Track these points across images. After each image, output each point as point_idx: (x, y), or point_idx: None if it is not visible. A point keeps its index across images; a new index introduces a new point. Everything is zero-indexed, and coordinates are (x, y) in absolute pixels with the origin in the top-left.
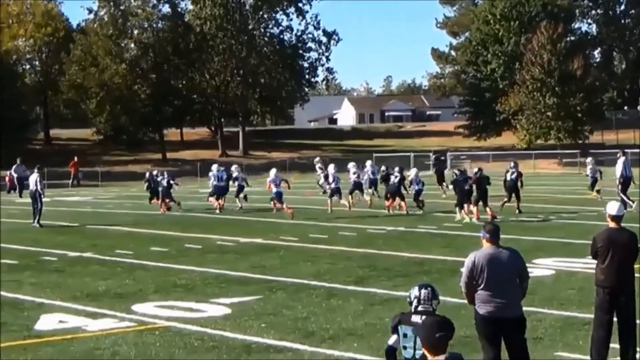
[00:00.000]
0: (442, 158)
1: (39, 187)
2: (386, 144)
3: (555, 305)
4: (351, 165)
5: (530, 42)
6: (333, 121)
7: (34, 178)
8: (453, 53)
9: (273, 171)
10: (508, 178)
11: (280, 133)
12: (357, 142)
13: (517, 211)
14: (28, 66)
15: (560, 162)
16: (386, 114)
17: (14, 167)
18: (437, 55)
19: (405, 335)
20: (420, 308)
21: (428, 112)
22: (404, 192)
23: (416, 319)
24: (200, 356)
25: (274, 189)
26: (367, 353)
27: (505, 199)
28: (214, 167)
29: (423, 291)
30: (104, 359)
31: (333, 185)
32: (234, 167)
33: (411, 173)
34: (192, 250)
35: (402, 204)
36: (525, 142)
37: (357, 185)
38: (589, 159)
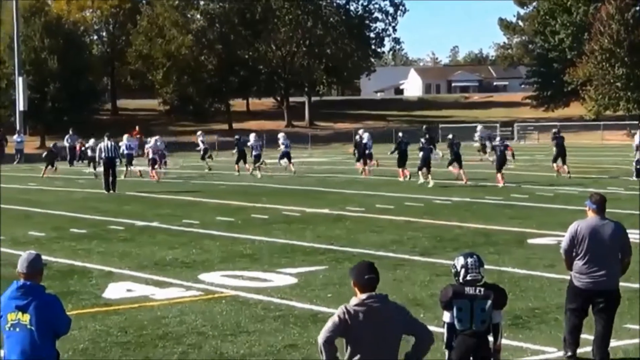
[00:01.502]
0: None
1: (117, 154)
2: (453, 115)
3: (623, 278)
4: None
5: (599, 12)
6: (399, 92)
7: (105, 145)
8: (521, 23)
9: (252, 135)
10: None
11: (346, 104)
12: (424, 112)
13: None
14: (95, 37)
15: (628, 134)
16: (453, 84)
17: (67, 136)
18: (505, 25)
19: (460, 309)
20: (468, 277)
21: (495, 83)
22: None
23: (470, 290)
24: (266, 325)
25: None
26: (433, 324)
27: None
28: (252, 136)
29: (469, 260)
30: (171, 328)
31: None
32: (251, 136)
33: (496, 140)
34: (258, 220)
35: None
36: (593, 112)
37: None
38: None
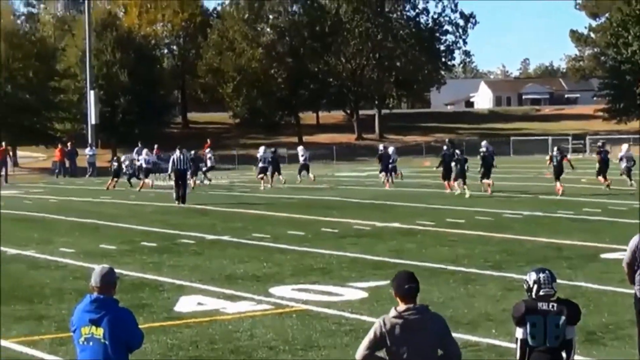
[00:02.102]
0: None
1: (189, 166)
2: (523, 127)
3: None
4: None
5: None
6: (470, 104)
7: (177, 157)
8: (592, 35)
9: (262, 148)
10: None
11: (416, 116)
12: (494, 125)
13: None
14: (166, 50)
15: None
16: (523, 97)
17: (136, 149)
18: (576, 37)
19: (534, 325)
20: (541, 293)
21: (566, 95)
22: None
23: (544, 306)
24: (337, 340)
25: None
26: (505, 339)
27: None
28: (261, 149)
29: (542, 275)
30: (242, 342)
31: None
32: (261, 148)
33: (622, 149)
34: (328, 233)
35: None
36: None
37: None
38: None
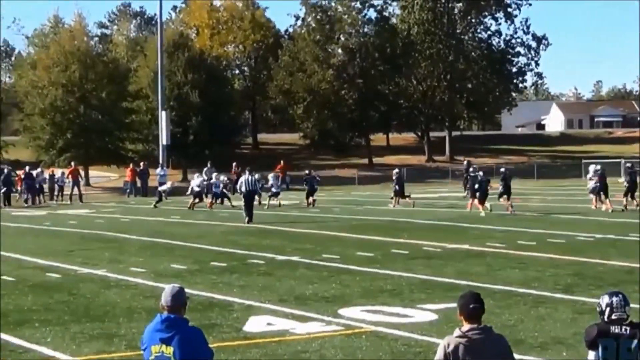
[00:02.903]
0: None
1: (257, 188)
2: (596, 150)
3: None
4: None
5: None
6: (541, 127)
7: (246, 179)
8: None
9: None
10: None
11: (487, 138)
12: (566, 147)
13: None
14: (237, 71)
15: None
16: (596, 119)
17: (205, 169)
18: None
19: (606, 348)
20: (614, 316)
21: (639, 118)
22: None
23: (616, 329)
24: None
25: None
26: None
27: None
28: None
29: (615, 299)
30: None
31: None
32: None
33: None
34: (398, 255)
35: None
36: None
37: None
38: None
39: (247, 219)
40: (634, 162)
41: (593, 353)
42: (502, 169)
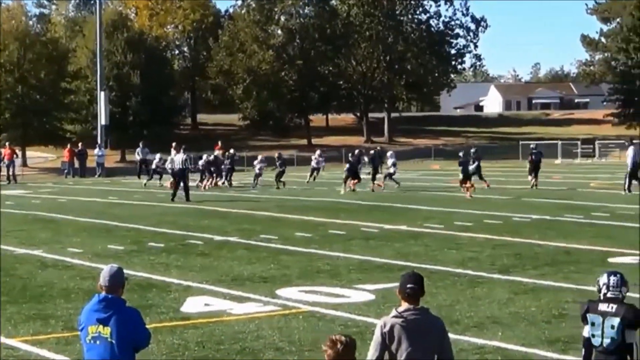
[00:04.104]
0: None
1: (189, 166)
2: (533, 132)
3: None
4: None
5: None
6: (479, 108)
7: (180, 158)
8: (603, 40)
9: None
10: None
11: (425, 120)
12: (503, 129)
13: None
14: (177, 52)
15: None
16: (533, 101)
17: (137, 149)
18: (587, 42)
19: (593, 324)
20: (609, 295)
21: (576, 100)
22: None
23: (604, 307)
24: None
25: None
26: (512, 342)
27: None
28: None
29: (612, 278)
30: (248, 343)
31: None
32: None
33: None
34: (336, 236)
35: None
36: None
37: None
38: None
39: (173, 197)
40: (538, 143)
41: (586, 328)
42: (461, 154)
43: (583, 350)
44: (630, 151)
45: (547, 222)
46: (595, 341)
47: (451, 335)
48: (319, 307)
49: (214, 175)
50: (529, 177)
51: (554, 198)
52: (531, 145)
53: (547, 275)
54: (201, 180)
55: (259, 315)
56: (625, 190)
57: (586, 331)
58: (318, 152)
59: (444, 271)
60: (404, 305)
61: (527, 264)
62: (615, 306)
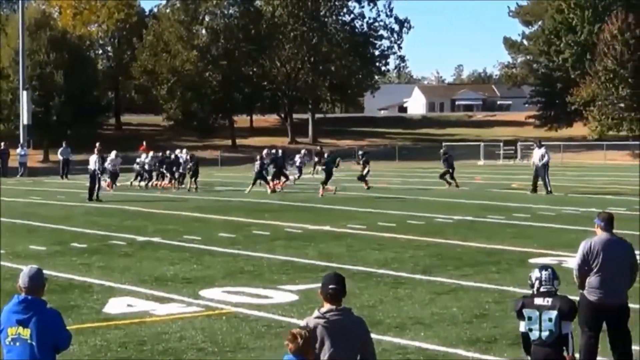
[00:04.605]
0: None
1: (97, 167)
2: (456, 133)
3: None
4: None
5: (603, 32)
6: (403, 109)
7: (93, 159)
8: (525, 42)
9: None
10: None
11: (350, 121)
12: (427, 130)
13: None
14: (101, 52)
15: (632, 154)
16: (457, 103)
17: (60, 149)
18: (509, 44)
19: (530, 318)
20: (542, 289)
21: (499, 102)
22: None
23: (539, 301)
24: (266, 342)
25: None
26: (434, 342)
27: None
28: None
29: (544, 272)
30: (171, 344)
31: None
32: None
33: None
34: (260, 236)
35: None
36: (596, 133)
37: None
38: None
39: (90, 196)
40: (450, 144)
41: (522, 323)
42: (360, 152)
43: (522, 344)
44: (535, 152)
45: (469, 222)
46: (533, 335)
47: (373, 336)
48: (242, 308)
49: (174, 175)
50: (446, 181)
51: (477, 199)
52: (441, 151)
53: (469, 276)
54: (157, 179)
55: (182, 316)
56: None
57: (522, 326)
58: (303, 151)
59: (366, 272)
60: (326, 306)
61: (449, 265)
62: (550, 299)
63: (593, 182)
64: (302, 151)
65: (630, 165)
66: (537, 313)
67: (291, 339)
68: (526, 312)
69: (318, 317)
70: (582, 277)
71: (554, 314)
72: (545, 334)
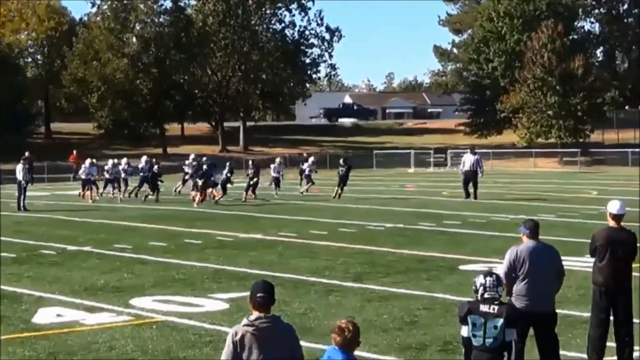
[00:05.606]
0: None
1: (22, 177)
2: (387, 141)
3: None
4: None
5: (531, 41)
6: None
7: (19, 168)
8: (455, 50)
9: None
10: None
11: (281, 129)
12: (358, 138)
13: None
14: (30, 60)
15: (560, 161)
16: (387, 111)
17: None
18: (439, 52)
19: (474, 325)
20: (486, 295)
21: (429, 110)
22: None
23: (485, 308)
24: (197, 351)
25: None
26: (364, 349)
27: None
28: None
29: (488, 279)
30: (101, 353)
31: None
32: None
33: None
34: (191, 245)
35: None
36: (525, 140)
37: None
38: None
39: (19, 205)
40: (347, 155)
41: (465, 328)
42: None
43: (463, 349)
44: (467, 158)
45: (400, 230)
46: (477, 341)
47: (304, 343)
48: (172, 317)
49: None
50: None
51: (408, 206)
52: (340, 161)
53: (400, 283)
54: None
55: (112, 325)
56: (465, 197)
57: (465, 331)
58: (278, 159)
59: (298, 279)
60: (255, 314)
61: (379, 272)
62: (496, 307)
63: (522, 188)
64: (277, 159)
65: (559, 172)
66: (482, 320)
67: (338, 332)
68: (471, 318)
69: (247, 325)
70: (509, 284)
71: (499, 321)
72: (489, 340)
